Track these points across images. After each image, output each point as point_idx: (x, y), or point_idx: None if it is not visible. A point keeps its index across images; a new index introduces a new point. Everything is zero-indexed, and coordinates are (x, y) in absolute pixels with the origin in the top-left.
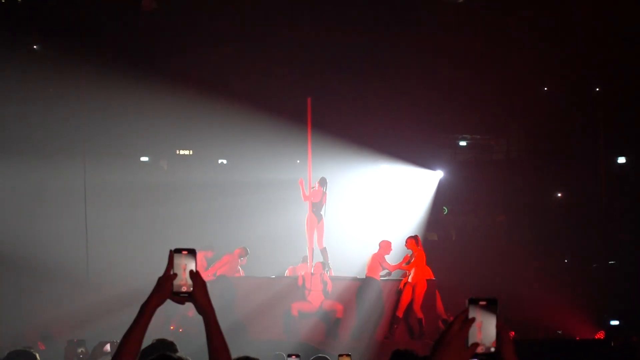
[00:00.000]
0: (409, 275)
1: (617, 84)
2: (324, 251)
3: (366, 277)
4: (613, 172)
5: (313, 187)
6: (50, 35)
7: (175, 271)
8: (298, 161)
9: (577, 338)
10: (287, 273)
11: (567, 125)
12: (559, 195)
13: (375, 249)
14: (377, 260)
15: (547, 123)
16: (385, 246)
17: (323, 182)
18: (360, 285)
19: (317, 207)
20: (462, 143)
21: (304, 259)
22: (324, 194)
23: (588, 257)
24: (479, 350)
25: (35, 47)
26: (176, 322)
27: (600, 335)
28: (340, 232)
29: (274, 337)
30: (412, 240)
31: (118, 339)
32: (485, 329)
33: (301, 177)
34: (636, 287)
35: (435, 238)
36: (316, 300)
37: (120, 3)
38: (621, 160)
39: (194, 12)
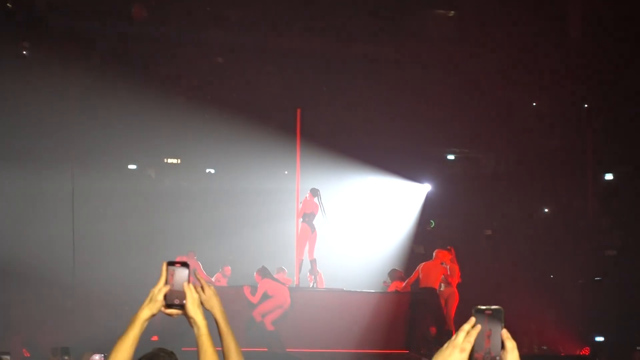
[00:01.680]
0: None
1: (605, 100)
2: (313, 262)
3: (425, 287)
4: (600, 188)
5: (305, 198)
6: (39, 41)
7: (168, 284)
8: (286, 172)
9: (562, 354)
10: None
11: (555, 141)
12: (546, 210)
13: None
14: (440, 271)
15: (535, 138)
16: (444, 256)
17: (315, 192)
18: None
19: (310, 218)
20: (450, 156)
21: (279, 270)
22: (317, 204)
23: (574, 272)
24: (480, 358)
25: (24, 52)
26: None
27: (586, 351)
28: (327, 243)
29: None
30: (447, 253)
31: (102, 347)
32: (492, 338)
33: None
34: (622, 303)
35: (422, 251)
36: (280, 296)
37: (110, 11)
38: (609, 176)
39: (184, 21)
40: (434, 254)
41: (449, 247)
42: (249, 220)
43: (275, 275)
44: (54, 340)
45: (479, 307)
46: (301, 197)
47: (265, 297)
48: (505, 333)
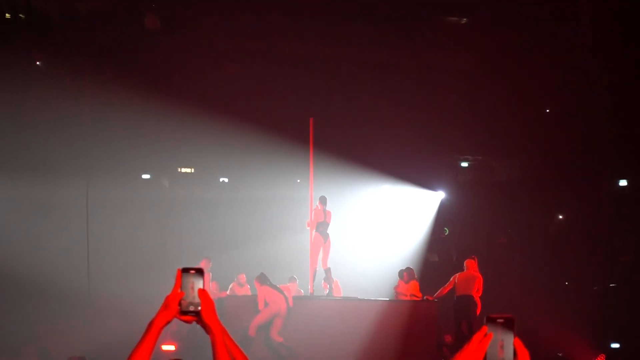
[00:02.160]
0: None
1: (619, 106)
2: (327, 271)
3: (462, 295)
4: (614, 195)
5: (315, 208)
6: (53, 52)
7: (183, 290)
8: (298, 180)
9: None
10: None
11: (568, 147)
12: (560, 217)
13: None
14: (477, 279)
15: (549, 145)
16: (472, 265)
17: (323, 200)
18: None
19: (322, 227)
20: (464, 164)
21: (291, 280)
22: (329, 212)
23: (589, 279)
24: None
25: (38, 63)
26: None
27: (601, 358)
28: (342, 251)
29: None
30: (474, 262)
31: (118, 356)
32: (505, 347)
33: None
34: (637, 309)
35: (436, 259)
36: (275, 304)
37: (123, 21)
38: (622, 182)
39: (196, 30)
40: (464, 264)
41: (473, 256)
42: (262, 228)
43: (287, 285)
44: (69, 351)
45: (492, 315)
46: (314, 205)
47: (265, 304)
48: (517, 342)
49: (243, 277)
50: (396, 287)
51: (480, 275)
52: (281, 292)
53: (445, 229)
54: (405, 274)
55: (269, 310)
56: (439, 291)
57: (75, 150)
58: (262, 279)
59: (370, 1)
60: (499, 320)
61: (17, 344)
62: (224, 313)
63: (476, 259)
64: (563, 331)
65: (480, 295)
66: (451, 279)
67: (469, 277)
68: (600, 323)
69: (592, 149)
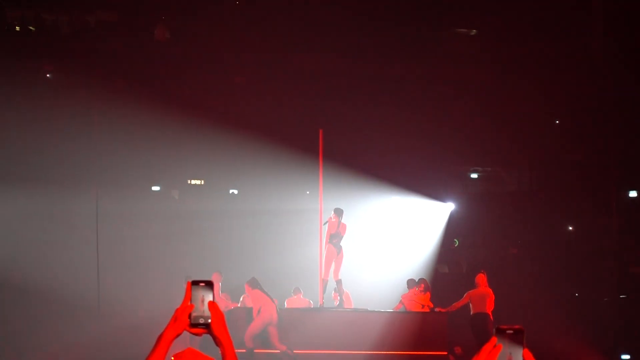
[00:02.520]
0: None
1: (628, 116)
2: (339, 282)
3: (479, 313)
4: (625, 206)
5: (330, 219)
6: (63, 64)
7: (193, 302)
8: (308, 192)
9: None
10: (286, 305)
11: (578, 158)
12: (571, 228)
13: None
14: (490, 296)
15: (558, 156)
16: (483, 280)
17: (339, 212)
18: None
19: (336, 239)
20: (474, 175)
21: (295, 291)
22: (343, 224)
23: (599, 290)
24: None
25: (48, 75)
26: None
27: None
28: (352, 263)
29: None
30: (484, 277)
31: None
32: (514, 358)
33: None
34: None
35: (447, 270)
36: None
37: (133, 32)
38: (633, 194)
39: (206, 41)
40: (476, 281)
41: (482, 271)
42: (272, 240)
43: (292, 296)
44: None
45: (501, 327)
46: (324, 217)
47: (258, 312)
48: (526, 353)
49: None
50: (407, 295)
51: (491, 291)
52: (272, 299)
53: (456, 240)
54: (423, 285)
55: (261, 319)
56: (452, 305)
57: (85, 162)
58: (254, 283)
59: (379, 13)
60: (508, 332)
61: (28, 356)
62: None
63: (485, 273)
64: (573, 342)
65: (492, 310)
66: (464, 296)
67: (484, 295)
68: (611, 334)
69: (602, 160)
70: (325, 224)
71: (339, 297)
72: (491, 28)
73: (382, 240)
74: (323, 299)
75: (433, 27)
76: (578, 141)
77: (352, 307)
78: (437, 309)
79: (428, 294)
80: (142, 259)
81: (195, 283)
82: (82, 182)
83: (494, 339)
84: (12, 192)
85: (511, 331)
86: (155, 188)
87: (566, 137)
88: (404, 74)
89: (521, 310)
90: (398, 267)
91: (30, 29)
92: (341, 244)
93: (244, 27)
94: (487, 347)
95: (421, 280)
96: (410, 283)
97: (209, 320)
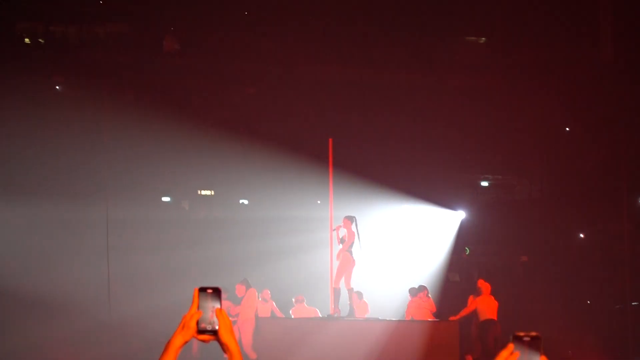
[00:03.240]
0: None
1: (639, 124)
2: (350, 292)
3: (488, 319)
4: (635, 213)
5: (339, 227)
6: (72, 76)
7: (201, 309)
8: (319, 201)
9: None
10: (292, 316)
11: (589, 165)
12: (582, 235)
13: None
14: (494, 303)
15: (569, 163)
16: (485, 285)
17: (351, 219)
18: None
19: (350, 246)
20: (484, 183)
21: (297, 300)
22: (353, 232)
23: (611, 297)
24: None
25: (57, 87)
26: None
27: None
28: (363, 271)
29: None
30: (487, 282)
31: None
32: None
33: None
34: None
35: (457, 279)
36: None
37: (142, 44)
38: None
39: (215, 52)
40: (479, 287)
41: (480, 278)
42: (283, 250)
43: (295, 305)
44: None
45: (518, 333)
46: (334, 226)
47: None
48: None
49: (267, 293)
50: (413, 303)
51: (493, 297)
52: (266, 301)
53: (467, 248)
54: (427, 291)
55: (250, 324)
56: (461, 312)
57: (96, 173)
58: (248, 283)
59: (388, 21)
60: (525, 339)
61: None
62: None
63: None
64: (585, 350)
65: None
66: (470, 303)
67: (490, 300)
68: (623, 341)
69: (612, 167)
70: (334, 230)
71: (349, 306)
72: (500, 36)
73: (393, 248)
74: (335, 307)
75: (442, 35)
76: (588, 148)
77: (368, 314)
78: (450, 318)
79: (431, 298)
80: (153, 270)
81: (202, 290)
82: (92, 192)
83: (511, 346)
84: (24, 203)
85: (528, 338)
86: (166, 199)
87: (577, 145)
88: (414, 83)
89: (532, 318)
90: (409, 275)
91: (40, 41)
92: (353, 250)
93: (254, 38)
94: (503, 353)
95: (422, 286)
96: (413, 291)
97: (217, 327)
